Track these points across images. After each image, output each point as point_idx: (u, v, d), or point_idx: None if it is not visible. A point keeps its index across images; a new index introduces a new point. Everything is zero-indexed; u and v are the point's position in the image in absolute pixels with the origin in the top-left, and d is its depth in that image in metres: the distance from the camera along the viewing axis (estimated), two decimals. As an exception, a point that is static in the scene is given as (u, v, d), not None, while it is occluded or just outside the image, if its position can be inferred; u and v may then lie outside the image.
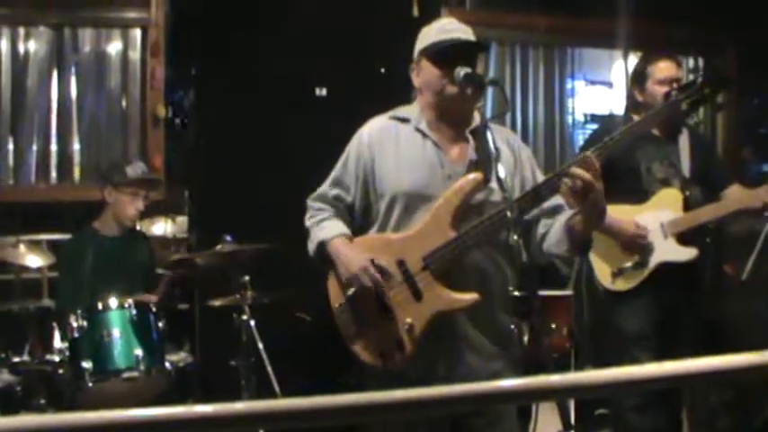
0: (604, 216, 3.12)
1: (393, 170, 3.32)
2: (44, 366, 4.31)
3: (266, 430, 1.86)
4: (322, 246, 3.37)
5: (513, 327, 3.23)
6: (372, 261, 3.24)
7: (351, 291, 3.27)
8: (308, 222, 3.50)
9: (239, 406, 1.98)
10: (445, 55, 3.23)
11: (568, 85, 7.28)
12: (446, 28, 3.32)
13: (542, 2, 6.68)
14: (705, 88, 4.13)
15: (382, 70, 6.04)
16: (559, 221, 3.24)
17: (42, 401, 4.25)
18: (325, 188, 3.49)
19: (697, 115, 6.96)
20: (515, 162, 3.34)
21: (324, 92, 6.06)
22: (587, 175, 2.94)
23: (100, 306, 4.35)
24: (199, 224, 5.84)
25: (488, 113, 5.69)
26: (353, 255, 3.29)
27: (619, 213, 4.47)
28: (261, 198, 5.64)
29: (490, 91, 3.27)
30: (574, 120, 7.34)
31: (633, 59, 7.08)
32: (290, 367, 5.09)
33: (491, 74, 6.63)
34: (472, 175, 3.20)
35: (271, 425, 2.18)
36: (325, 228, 3.41)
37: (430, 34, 3.33)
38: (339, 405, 1.81)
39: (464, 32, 3.30)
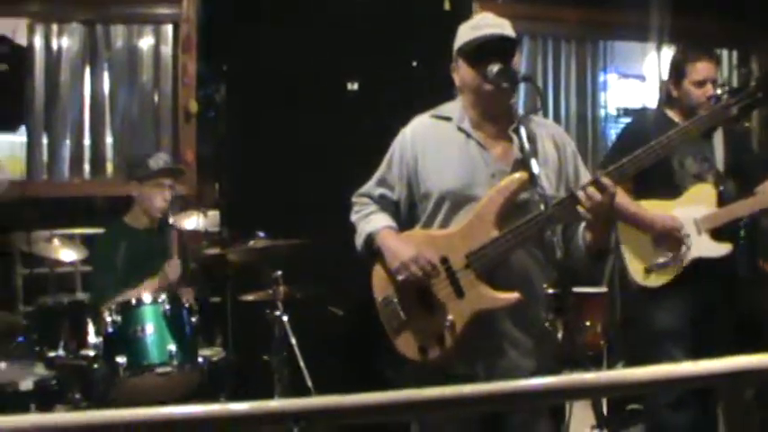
0: (610, 230, 3.15)
1: (436, 170, 3.32)
2: (79, 361, 4.34)
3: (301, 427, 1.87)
4: (370, 238, 3.40)
5: (547, 324, 3.23)
6: (421, 255, 3.25)
7: (401, 277, 3.27)
8: (354, 217, 3.52)
9: (274, 403, 1.99)
10: (478, 53, 3.22)
11: (601, 79, 7.24)
12: (478, 24, 3.29)
13: (574, -5, 6.67)
14: (758, 92, 4.05)
15: (414, 64, 6.03)
16: (581, 229, 3.25)
17: (77, 396, 4.28)
18: (371, 187, 3.51)
19: (749, 121, 6.86)
20: (559, 158, 3.32)
21: (355, 86, 6.06)
22: (597, 198, 3.01)
23: (134, 301, 4.38)
24: (230, 219, 5.86)
25: (521, 109, 5.68)
26: (402, 245, 3.30)
27: (651, 209, 4.44)
28: (292, 193, 5.65)
29: (522, 86, 3.23)
30: (606, 113, 7.30)
31: (666, 52, 7.04)
32: (323, 362, 5.10)
33: (523, 68, 6.60)
34: (517, 175, 3.19)
35: (306, 422, 2.19)
36: (372, 221, 3.43)
37: (464, 32, 3.31)
38: (373, 402, 1.81)
39: (497, 27, 3.26)
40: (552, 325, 3.24)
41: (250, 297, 4.95)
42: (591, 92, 7.16)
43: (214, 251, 5.42)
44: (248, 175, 5.88)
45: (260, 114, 5.88)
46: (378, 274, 3.42)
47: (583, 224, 3.23)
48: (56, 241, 5.35)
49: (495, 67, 3.16)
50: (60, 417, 1.99)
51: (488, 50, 3.20)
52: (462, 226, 3.24)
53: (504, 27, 3.27)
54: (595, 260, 3.25)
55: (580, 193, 3.04)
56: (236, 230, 5.51)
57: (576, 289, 4.98)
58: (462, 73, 3.30)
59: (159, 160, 5.13)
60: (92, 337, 4.32)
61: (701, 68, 4.49)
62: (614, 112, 7.38)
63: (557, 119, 6.98)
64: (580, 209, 3.07)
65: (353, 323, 5.24)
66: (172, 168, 5.19)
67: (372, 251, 3.40)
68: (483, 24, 3.27)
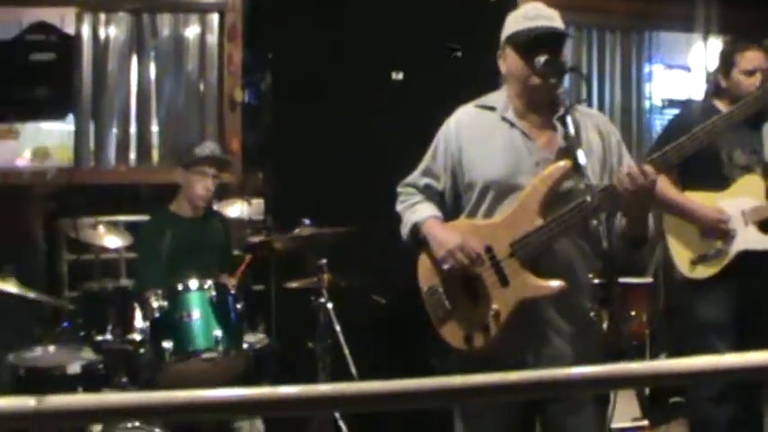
0: (646, 218, 3.19)
1: (481, 159, 3.34)
2: (125, 345, 4.39)
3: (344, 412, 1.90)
4: (416, 227, 3.42)
5: (592, 314, 3.24)
6: (467, 242, 3.26)
7: (446, 265, 3.28)
8: (399, 207, 3.55)
9: (324, 387, 2.01)
10: (528, 44, 3.22)
11: (646, 70, 7.19)
12: (529, 15, 3.28)
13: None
14: None
15: (458, 54, 6.02)
16: (618, 219, 3.27)
17: (124, 379, 4.33)
18: (416, 177, 3.53)
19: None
20: (604, 148, 3.32)
21: (400, 76, 6.07)
22: (637, 181, 3.02)
23: (180, 287, 4.42)
24: (275, 207, 5.89)
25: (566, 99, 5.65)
26: (448, 234, 3.32)
27: (698, 200, 4.42)
28: (337, 181, 5.68)
29: (567, 76, 3.25)
30: (651, 105, 7.26)
31: (712, 42, 6.98)
32: (367, 350, 5.13)
33: (568, 59, 6.57)
34: (561, 163, 3.19)
35: (354, 407, 2.21)
36: (417, 210, 3.45)
37: (514, 21, 3.31)
38: (418, 388, 1.83)
39: (548, 19, 3.26)
40: (597, 315, 3.23)
41: (294, 284, 4.98)
42: (636, 83, 7.12)
43: (258, 239, 5.46)
44: (293, 164, 5.90)
45: (305, 103, 5.90)
46: (423, 263, 3.44)
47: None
48: (101, 228, 5.41)
49: (542, 58, 3.16)
50: (112, 397, 2.03)
51: (539, 42, 3.20)
52: (506, 215, 3.26)
53: (555, 19, 3.28)
54: (632, 248, 3.25)
55: (619, 175, 3.05)
56: (280, 219, 5.55)
57: (622, 279, 4.98)
58: (510, 62, 3.30)
59: (206, 148, 5.16)
60: (138, 322, 4.36)
61: (750, 58, 4.46)
62: (659, 104, 7.32)
63: (601, 110, 6.93)
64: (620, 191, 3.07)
65: (397, 311, 5.26)
66: (216, 157, 5.22)
67: (418, 240, 3.43)
68: (535, 15, 3.27)
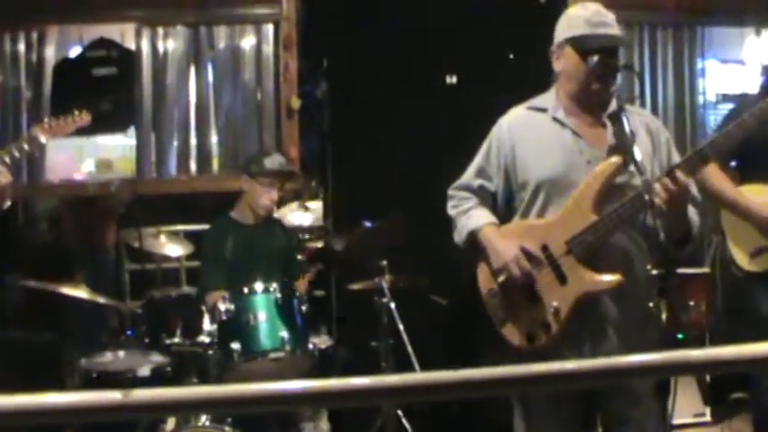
0: (681, 220, 3.24)
1: (533, 159, 3.40)
2: (195, 348, 4.50)
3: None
4: (472, 235, 3.47)
5: (651, 305, 3.28)
6: (522, 249, 3.32)
7: (501, 279, 3.35)
8: (452, 211, 3.60)
9: (393, 378, 2.09)
10: (593, 51, 3.27)
11: (699, 65, 7.15)
12: (593, 20, 3.33)
13: (671, -20, 6.61)
14: None
15: (511, 57, 6.07)
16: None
17: (194, 380, 4.43)
18: (469, 178, 3.59)
19: None
20: (653, 146, 3.37)
21: (454, 79, 6.14)
22: (671, 187, 3.09)
23: (246, 290, 4.52)
24: (334, 211, 5.99)
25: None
26: (505, 244, 3.38)
27: (754, 193, 4.41)
28: (394, 183, 5.76)
29: (619, 75, 3.31)
30: (705, 100, 7.21)
31: (766, 36, 6.94)
32: (428, 349, 5.19)
33: (621, 56, 6.56)
34: (612, 159, 3.25)
35: (420, 397, 2.29)
36: (473, 216, 3.51)
37: (577, 23, 3.35)
38: (481, 377, 1.90)
39: (610, 26, 3.34)
40: (656, 306, 3.28)
41: (357, 286, 5.07)
42: (689, 79, 7.07)
43: (317, 244, 5.56)
44: (350, 169, 6.00)
45: (360, 108, 5.99)
46: (482, 268, 3.50)
47: None
48: (162, 237, 5.55)
49: (595, 57, 3.23)
50: (191, 390, 2.12)
51: (602, 49, 3.28)
52: (561, 213, 3.32)
53: (615, 26, 3.36)
54: (678, 247, 3.28)
55: (656, 186, 3.10)
56: (339, 223, 5.64)
57: (680, 270, 4.99)
58: (569, 63, 3.36)
59: (276, 161, 5.26)
60: (206, 325, 4.47)
61: None
62: (713, 99, 7.28)
63: (654, 107, 6.92)
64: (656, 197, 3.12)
65: (458, 310, 5.32)
66: (284, 171, 5.33)
67: (475, 247, 3.49)
68: (599, 22, 3.33)
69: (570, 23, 3.38)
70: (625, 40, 3.36)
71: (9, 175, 3.69)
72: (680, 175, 3.09)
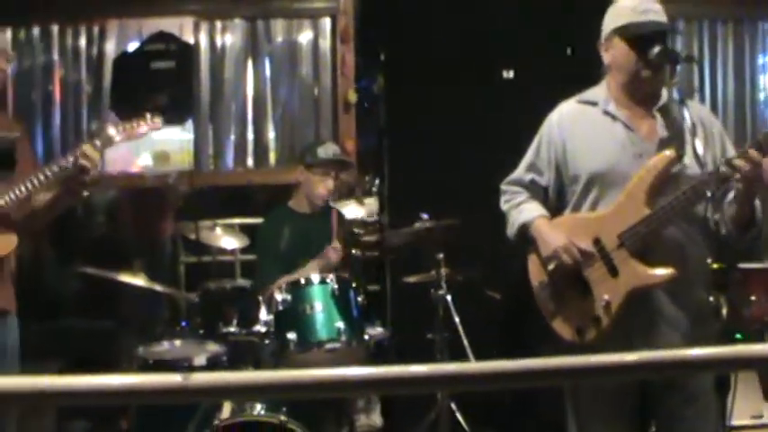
0: (752, 200, 3.20)
1: (584, 153, 3.40)
2: (251, 337, 4.54)
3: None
4: (524, 228, 3.48)
5: (710, 299, 3.24)
6: (572, 242, 3.31)
7: (551, 266, 3.34)
8: (505, 206, 3.62)
9: (451, 367, 2.10)
10: (641, 38, 3.26)
11: (760, 61, 7.06)
12: (639, 8, 3.33)
13: (730, -25, 6.53)
14: None
15: (568, 52, 6.05)
16: (725, 206, 3.29)
17: (250, 370, 4.46)
18: (520, 173, 3.60)
19: None
20: (706, 137, 3.34)
21: (511, 74, 6.13)
22: (743, 166, 3.05)
23: (303, 281, 4.55)
24: (390, 206, 5.99)
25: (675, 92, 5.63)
26: (555, 234, 3.39)
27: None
28: (451, 178, 5.76)
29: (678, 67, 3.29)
30: (766, 97, 7.12)
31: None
32: (483, 341, 5.19)
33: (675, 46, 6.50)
34: (666, 153, 3.24)
35: (478, 385, 2.29)
36: (524, 210, 3.52)
37: (624, 13, 3.35)
38: (538, 367, 1.90)
39: (657, 13, 3.33)
40: (716, 300, 3.23)
41: (413, 279, 5.09)
42: (749, 75, 6.99)
43: (371, 238, 5.57)
44: (407, 163, 6.00)
45: (417, 103, 6.00)
46: (533, 261, 3.51)
47: (730, 196, 3.24)
48: (218, 230, 5.60)
49: (656, 48, 3.21)
50: (248, 374, 2.14)
51: (651, 36, 3.26)
52: (613, 207, 3.31)
53: (662, 13, 3.35)
54: (743, 232, 3.24)
55: (736, 161, 3.06)
56: (395, 217, 5.65)
57: (741, 265, 4.93)
58: (619, 54, 3.35)
59: (329, 150, 5.28)
60: (263, 315, 4.50)
61: None
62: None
63: (714, 103, 6.85)
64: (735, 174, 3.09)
65: (513, 304, 5.31)
66: (338, 160, 5.34)
67: (526, 240, 3.50)
68: (645, 9, 3.32)
69: (617, 14, 3.38)
70: (672, 26, 3.33)
71: (98, 163, 3.77)
72: (752, 152, 3.06)
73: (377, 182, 6.21)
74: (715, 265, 3.26)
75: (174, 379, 1.85)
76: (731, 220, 3.24)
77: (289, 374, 2.07)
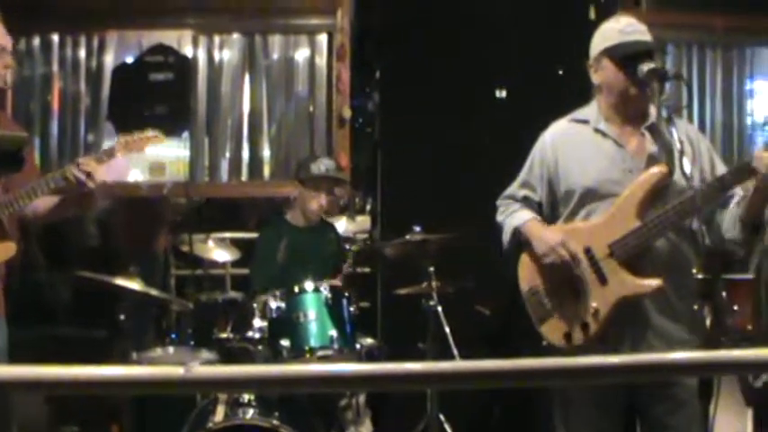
0: (765, 202, 3.23)
1: (576, 169, 3.50)
2: (244, 344, 4.60)
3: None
4: (517, 230, 3.58)
5: (695, 308, 3.33)
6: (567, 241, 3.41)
7: (547, 260, 3.43)
8: (500, 217, 3.72)
9: (446, 365, 2.17)
10: (629, 57, 3.37)
11: (747, 86, 7.14)
12: (627, 30, 3.44)
13: (720, 1, 6.61)
14: None
15: (560, 72, 6.14)
16: (731, 208, 3.35)
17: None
18: (514, 189, 3.71)
19: None
20: (694, 154, 3.44)
21: (503, 93, 6.22)
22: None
23: (296, 289, 4.62)
24: (382, 220, 6.08)
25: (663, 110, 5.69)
26: (549, 232, 3.50)
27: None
28: (443, 196, 5.84)
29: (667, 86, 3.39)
30: (753, 121, 7.20)
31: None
32: (474, 354, 5.23)
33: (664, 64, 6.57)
34: (657, 169, 3.34)
35: (468, 384, 2.35)
36: (517, 216, 3.63)
37: (611, 35, 3.46)
38: (523, 368, 1.98)
39: (643, 34, 3.45)
40: (701, 310, 3.33)
41: (404, 291, 5.15)
42: (737, 99, 7.06)
43: (369, 248, 5.64)
44: (400, 179, 6.10)
45: (411, 119, 6.08)
46: (524, 264, 3.60)
47: (736, 201, 3.32)
48: (210, 242, 5.65)
49: (645, 66, 3.31)
50: (245, 369, 2.21)
51: (638, 55, 3.36)
52: (605, 218, 3.42)
53: (647, 35, 3.46)
54: (749, 233, 3.32)
55: (757, 155, 3.15)
56: (388, 231, 5.73)
57: (726, 275, 5.01)
58: (608, 74, 3.45)
59: (322, 166, 5.36)
60: (256, 321, 4.57)
61: None
62: (761, 120, 7.26)
63: (702, 127, 6.89)
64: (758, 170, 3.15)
65: (502, 317, 5.37)
66: (332, 177, 5.43)
67: (519, 243, 3.59)
68: (632, 30, 3.44)
69: (604, 36, 3.49)
70: (657, 45, 3.43)
71: (105, 175, 3.82)
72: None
73: (369, 200, 6.30)
74: (700, 276, 3.35)
75: (175, 371, 1.91)
76: (740, 222, 3.32)
77: (285, 369, 2.14)
